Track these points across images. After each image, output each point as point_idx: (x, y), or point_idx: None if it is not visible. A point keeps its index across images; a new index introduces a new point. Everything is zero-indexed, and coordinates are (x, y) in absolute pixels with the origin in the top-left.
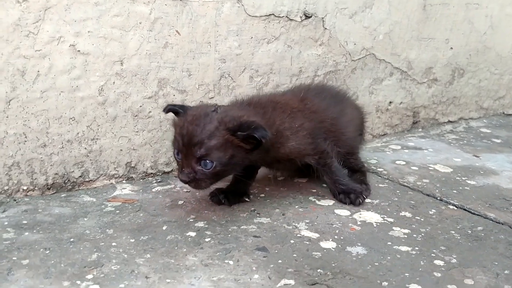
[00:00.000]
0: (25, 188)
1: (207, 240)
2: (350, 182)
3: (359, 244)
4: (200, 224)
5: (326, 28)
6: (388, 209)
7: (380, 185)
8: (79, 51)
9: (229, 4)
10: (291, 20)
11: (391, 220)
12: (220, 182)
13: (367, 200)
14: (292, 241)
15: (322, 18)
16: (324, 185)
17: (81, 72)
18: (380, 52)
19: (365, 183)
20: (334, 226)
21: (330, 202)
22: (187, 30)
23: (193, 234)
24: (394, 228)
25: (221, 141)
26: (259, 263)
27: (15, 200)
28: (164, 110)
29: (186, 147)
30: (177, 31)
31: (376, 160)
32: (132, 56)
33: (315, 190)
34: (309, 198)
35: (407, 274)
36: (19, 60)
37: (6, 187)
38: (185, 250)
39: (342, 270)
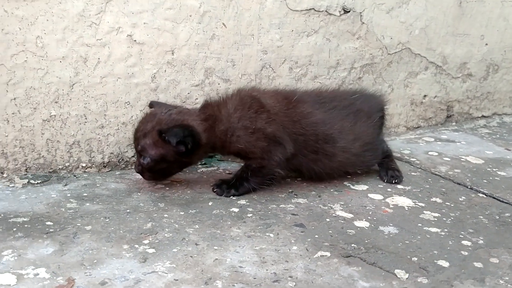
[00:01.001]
0: (84, 165)
1: (249, 215)
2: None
3: (391, 224)
4: (242, 201)
5: (363, 23)
6: (420, 195)
7: (413, 173)
8: (135, 41)
9: None
10: (330, 14)
11: (422, 204)
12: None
13: (400, 186)
14: (327, 220)
15: (360, 12)
16: (359, 171)
17: (136, 60)
18: (416, 46)
19: (397, 169)
20: (367, 208)
21: (364, 187)
22: (232, 23)
23: (236, 210)
24: (425, 211)
25: (151, 141)
26: (297, 237)
27: (75, 176)
28: (148, 105)
29: (134, 142)
30: (223, 23)
31: (409, 151)
32: (182, 47)
33: (349, 176)
34: (344, 183)
35: (435, 252)
36: (82, 48)
37: (67, 164)
38: (229, 223)
39: (375, 245)
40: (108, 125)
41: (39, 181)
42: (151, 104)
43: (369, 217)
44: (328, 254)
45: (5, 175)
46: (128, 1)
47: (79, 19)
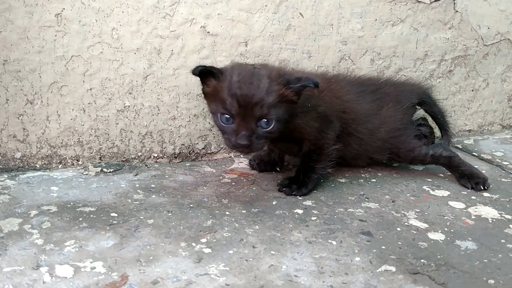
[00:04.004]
0: (155, 155)
1: (313, 218)
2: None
3: (470, 238)
4: (308, 202)
5: (457, 11)
6: (508, 205)
7: (503, 179)
8: (208, 32)
9: None
10: (420, 2)
11: (509, 217)
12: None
13: (486, 194)
14: (398, 229)
15: (453, 0)
16: (441, 174)
17: (209, 52)
18: None
19: (475, 174)
20: (445, 218)
21: (445, 193)
22: (310, 12)
23: (300, 211)
24: (511, 225)
25: (276, 97)
26: (362, 247)
27: (146, 166)
28: (194, 72)
29: (243, 108)
30: (300, 13)
31: (502, 153)
32: (256, 38)
33: (430, 180)
34: (423, 187)
35: None
36: (156, 40)
37: (139, 153)
38: (291, 225)
39: (447, 263)
40: (180, 116)
41: (111, 170)
42: (202, 69)
43: (445, 229)
44: (393, 269)
45: (80, 162)
46: None
47: (153, 10)
